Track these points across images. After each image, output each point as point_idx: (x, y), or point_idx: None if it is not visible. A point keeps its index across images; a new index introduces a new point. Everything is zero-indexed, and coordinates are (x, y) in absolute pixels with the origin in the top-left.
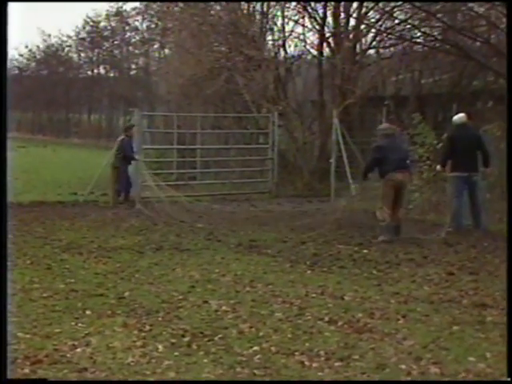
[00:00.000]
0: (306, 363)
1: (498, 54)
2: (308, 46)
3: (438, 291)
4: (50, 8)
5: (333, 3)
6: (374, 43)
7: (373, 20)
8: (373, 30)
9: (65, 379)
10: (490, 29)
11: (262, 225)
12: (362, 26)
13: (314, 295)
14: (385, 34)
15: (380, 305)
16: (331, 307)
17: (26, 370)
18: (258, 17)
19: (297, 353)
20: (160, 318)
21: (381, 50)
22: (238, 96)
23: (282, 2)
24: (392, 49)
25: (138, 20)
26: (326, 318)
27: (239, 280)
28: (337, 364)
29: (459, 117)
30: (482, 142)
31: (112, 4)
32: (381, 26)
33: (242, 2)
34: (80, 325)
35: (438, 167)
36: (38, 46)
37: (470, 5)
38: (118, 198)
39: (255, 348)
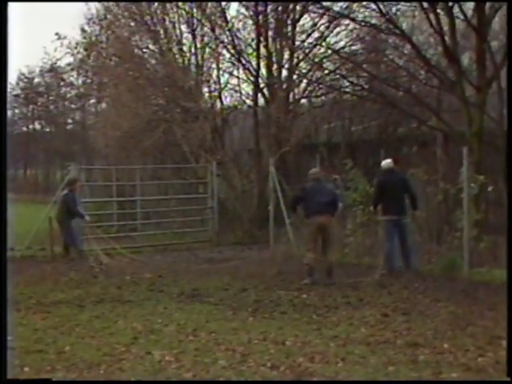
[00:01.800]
0: None
1: (418, 102)
2: (243, 97)
3: (374, 333)
4: None
5: (265, 56)
6: (306, 93)
7: (304, 70)
8: (304, 81)
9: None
10: (411, 79)
11: (203, 273)
12: (294, 77)
13: (256, 341)
14: (316, 84)
15: (320, 348)
16: (273, 353)
17: None
18: (193, 69)
19: None
20: (102, 371)
21: (313, 100)
22: (176, 147)
23: (216, 55)
24: (323, 98)
25: (73, 75)
26: (269, 364)
27: (182, 329)
28: None
29: (386, 162)
30: (409, 185)
31: (45, 60)
32: (312, 76)
33: (177, 56)
34: None
35: (371, 208)
36: None
37: (391, 57)
38: (69, 251)
39: None
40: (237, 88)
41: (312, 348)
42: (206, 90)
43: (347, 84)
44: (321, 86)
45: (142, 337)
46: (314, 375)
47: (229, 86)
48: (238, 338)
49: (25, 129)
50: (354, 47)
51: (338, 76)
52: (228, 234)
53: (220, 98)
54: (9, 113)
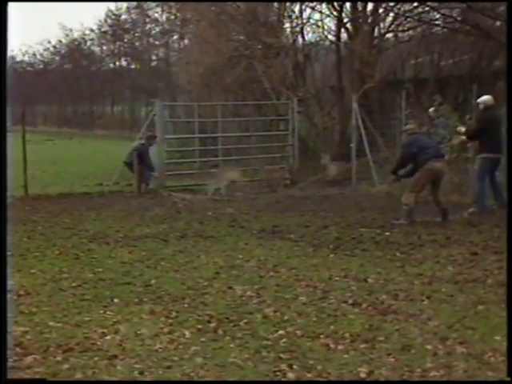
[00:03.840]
0: (332, 346)
1: None
2: (326, 32)
3: (462, 271)
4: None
5: None
6: (393, 27)
7: (391, 4)
8: (391, 14)
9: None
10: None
11: (284, 210)
12: (380, 10)
13: (337, 278)
14: (403, 17)
15: (404, 286)
16: (355, 290)
17: (59, 358)
18: (275, 4)
19: (322, 336)
20: (186, 305)
21: (399, 34)
22: (258, 83)
23: None
24: (410, 32)
25: (157, 12)
26: (350, 301)
27: (263, 265)
28: (362, 346)
29: (488, 99)
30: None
31: None
32: (399, 9)
33: None
34: (109, 313)
35: (464, 137)
36: (60, 41)
37: None
38: (145, 187)
39: (280, 332)
40: (319, 23)
41: (395, 285)
42: (287, 25)
43: (438, 16)
44: (409, 19)
45: (224, 272)
46: (398, 313)
47: (311, 21)
48: (318, 275)
49: (112, 66)
50: None
51: (427, 8)
52: (309, 171)
53: (302, 33)
54: (97, 49)
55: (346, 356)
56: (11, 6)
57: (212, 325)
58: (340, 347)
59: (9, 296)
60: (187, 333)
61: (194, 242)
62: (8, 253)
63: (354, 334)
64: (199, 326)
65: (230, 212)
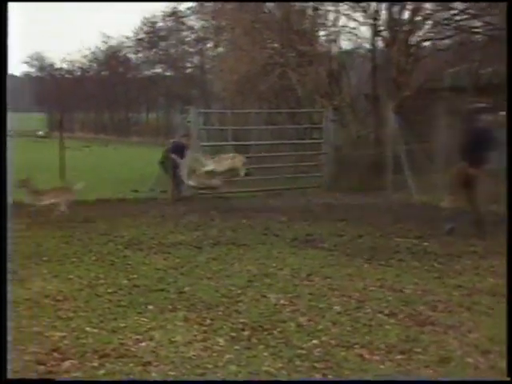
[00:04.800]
0: (366, 356)
1: None
2: (361, 40)
3: (503, 283)
4: (111, 10)
5: None
6: (432, 35)
7: (428, 12)
8: (429, 22)
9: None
10: None
11: (317, 219)
12: (418, 18)
13: (372, 288)
14: (441, 25)
15: (442, 297)
16: (391, 300)
17: (95, 364)
18: (309, 12)
19: (357, 346)
20: (220, 312)
21: (437, 42)
22: (292, 92)
23: None
24: (448, 40)
25: (192, 19)
26: (386, 311)
27: (296, 274)
28: (398, 357)
29: None
30: None
31: (167, 4)
32: (438, 17)
33: None
34: (143, 319)
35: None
36: (98, 47)
37: None
38: (178, 194)
39: (314, 341)
40: (354, 31)
41: (433, 296)
42: (322, 33)
43: (478, 24)
44: (447, 27)
45: (257, 280)
46: (436, 324)
47: (346, 29)
48: (353, 285)
49: (147, 73)
50: None
51: (466, 16)
52: (343, 180)
53: (337, 41)
54: (133, 57)
55: (381, 367)
56: (51, 16)
57: (246, 333)
58: (375, 358)
59: (46, 301)
60: (221, 340)
61: (227, 250)
62: (44, 258)
63: (390, 344)
64: (233, 334)
65: (263, 220)
